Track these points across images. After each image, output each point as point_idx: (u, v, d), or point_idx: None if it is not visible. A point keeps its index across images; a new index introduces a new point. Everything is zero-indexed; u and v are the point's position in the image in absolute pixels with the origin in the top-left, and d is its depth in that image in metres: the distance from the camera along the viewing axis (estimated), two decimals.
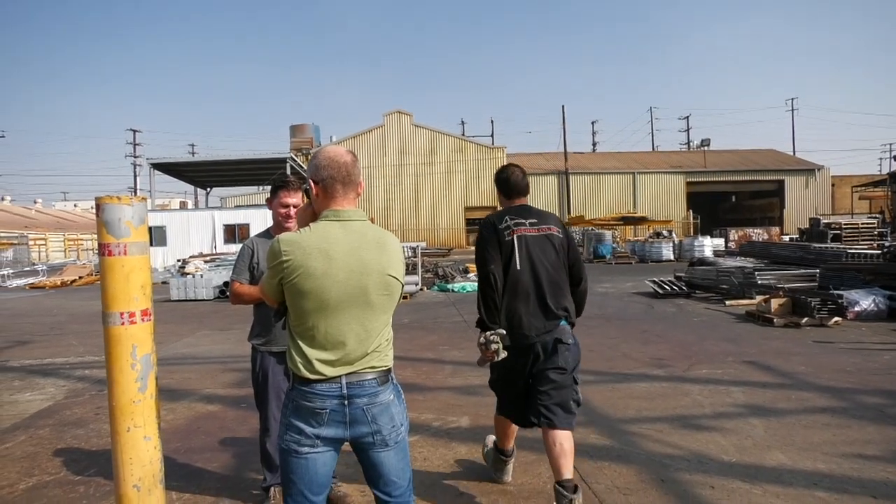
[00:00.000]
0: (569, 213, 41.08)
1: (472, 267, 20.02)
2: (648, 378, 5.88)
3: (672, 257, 25.64)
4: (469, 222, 43.74)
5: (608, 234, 29.52)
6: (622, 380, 5.86)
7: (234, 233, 26.28)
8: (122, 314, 2.07)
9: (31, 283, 22.03)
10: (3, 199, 61.68)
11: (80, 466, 4.01)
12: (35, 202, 70.97)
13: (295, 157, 29.76)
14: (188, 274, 16.63)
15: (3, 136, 40.61)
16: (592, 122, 68.82)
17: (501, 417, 3.40)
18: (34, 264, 33.64)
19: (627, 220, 34.06)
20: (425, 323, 9.97)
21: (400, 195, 43.27)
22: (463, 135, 49.46)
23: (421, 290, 15.09)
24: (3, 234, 39.36)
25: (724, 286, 12.09)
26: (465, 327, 9.36)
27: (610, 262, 25.59)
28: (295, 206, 3.27)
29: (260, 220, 25.45)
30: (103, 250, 2.06)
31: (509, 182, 3.28)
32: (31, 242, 40.52)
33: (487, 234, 3.17)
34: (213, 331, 9.89)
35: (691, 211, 41.84)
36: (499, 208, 3.37)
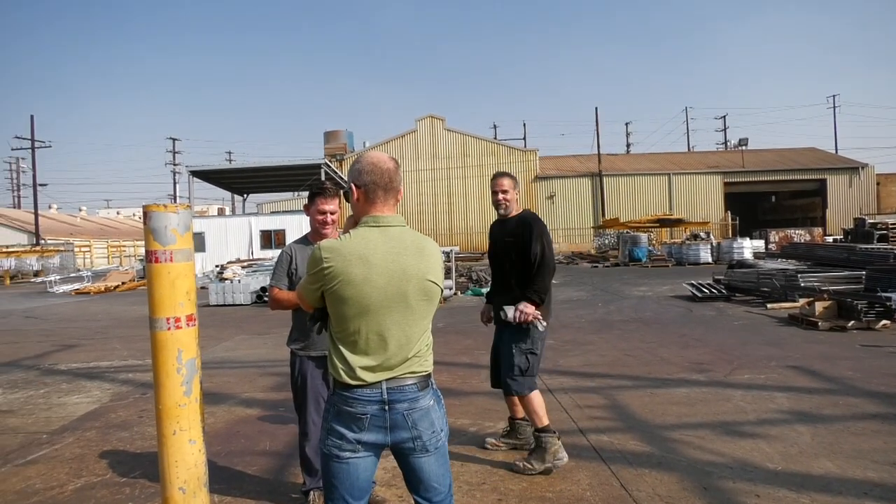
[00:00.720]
0: (603, 215, 40.65)
1: None
2: (688, 383, 5.77)
3: (710, 260, 25.16)
4: None
5: (644, 236, 29.10)
6: (661, 385, 5.76)
7: (270, 238, 26.66)
8: (168, 319, 2.12)
9: (77, 289, 22.70)
10: (49, 207, 63.74)
11: (125, 468, 4.11)
12: (80, 210, 73.13)
13: (329, 163, 30.07)
14: (226, 279, 16.94)
15: (49, 146, 41.88)
16: (626, 124, 67.67)
17: (538, 393, 3.85)
18: (79, 270, 34.71)
19: (663, 223, 33.56)
20: (460, 327, 9.96)
21: (433, 199, 43.39)
22: (495, 138, 49.39)
23: (455, 294, 15.10)
24: (50, 241, 40.69)
25: (766, 289, 11.81)
26: None
27: (646, 265, 25.22)
28: (332, 213, 3.30)
29: (295, 226, 25.75)
30: (150, 257, 2.11)
31: None
32: (76, 249, 41.75)
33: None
34: (251, 335, 10.05)
35: (729, 212, 40.93)
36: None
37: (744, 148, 50.01)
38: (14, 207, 59.70)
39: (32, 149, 40.89)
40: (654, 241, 32.00)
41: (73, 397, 6.17)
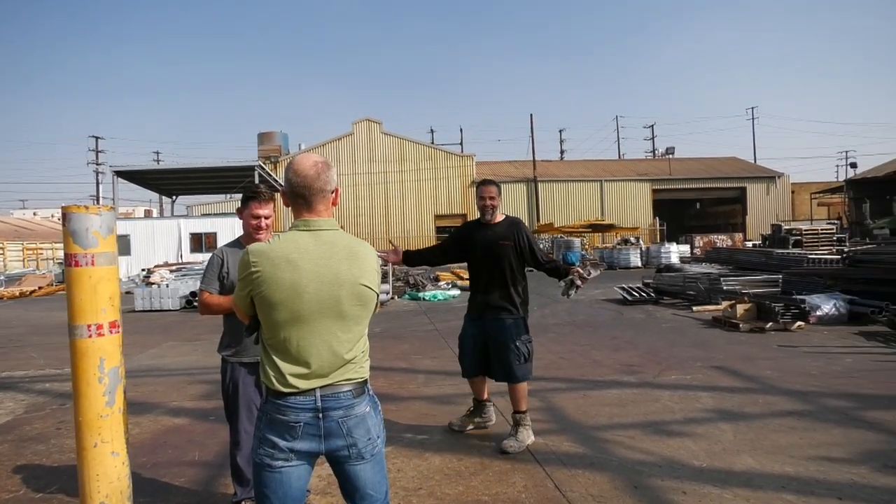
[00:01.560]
0: (538, 220, 41.42)
1: (443, 275, 20.02)
2: (620, 385, 5.94)
3: (640, 264, 26.02)
4: (439, 230, 43.77)
5: (577, 241, 29.82)
6: (593, 387, 5.91)
7: (200, 242, 25.86)
8: (89, 326, 2.02)
9: None
10: None
11: (41, 483, 3.87)
12: None
13: (263, 165, 29.42)
14: (153, 284, 16.29)
15: None
16: (560, 131, 69.16)
17: None
18: None
19: (596, 228, 34.51)
20: (397, 332, 9.92)
21: (370, 203, 43.11)
22: (432, 143, 49.52)
23: (392, 298, 15.03)
24: None
25: (691, 292, 12.31)
26: (436, 336, 9.34)
27: None
28: (266, 217, 3.22)
29: (227, 228, 25.06)
30: (70, 261, 2.01)
31: None
32: None
33: None
34: (180, 342, 9.68)
35: (658, 218, 42.53)
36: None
37: (671, 157, 52.15)
38: None
39: None
40: (587, 246, 32.86)
41: None
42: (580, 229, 33.33)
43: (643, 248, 27.58)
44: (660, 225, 40.56)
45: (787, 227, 25.44)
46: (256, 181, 26.52)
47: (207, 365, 7.23)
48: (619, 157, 62.80)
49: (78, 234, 1.99)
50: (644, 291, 13.18)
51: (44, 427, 5.16)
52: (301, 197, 1.94)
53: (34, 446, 4.64)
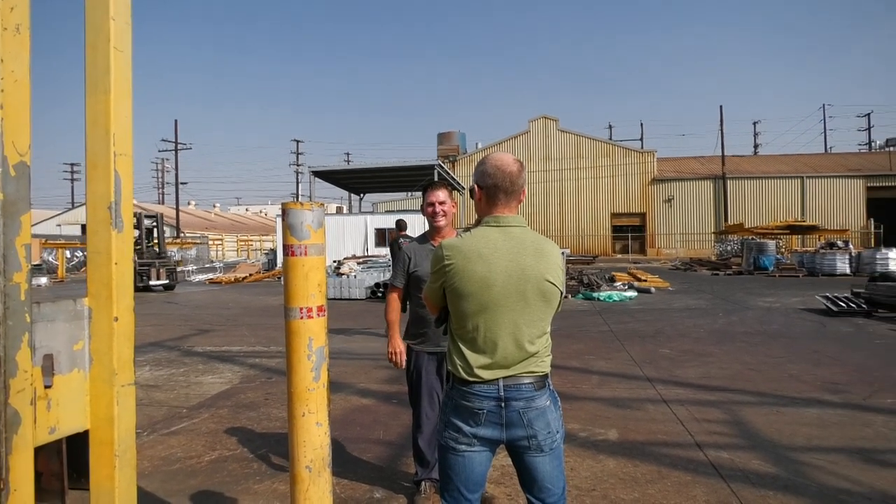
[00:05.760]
0: (726, 220, 38.47)
1: (619, 276, 19.39)
2: (820, 404, 5.35)
3: (848, 271, 23.06)
4: (616, 229, 42.43)
5: (771, 243, 27.18)
6: (789, 403, 5.39)
7: (384, 237, 27.48)
8: (300, 309, 2.27)
9: (211, 279, 24.65)
10: (189, 203, 69.55)
11: (253, 445, 4.43)
12: (214, 206, 79.34)
13: (442, 164, 30.62)
14: (343, 274, 17.69)
15: (189, 148, 45.67)
16: (754, 123, 63.58)
17: None
18: (212, 262, 37.62)
19: (794, 229, 31.22)
20: (570, 331, 9.82)
21: (545, 201, 43.04)
22: (610, 139, 48.11)
23: (566, 297, 14.87)
24: (188, 235, 44.45)
25: None
26: (611, 337, 9.10)
27: (773, 274, 23.54)
28: (441, 203, 3.34)
29: (408, 224, 26.38)
30: (287, 251, 2.28)
31: None
32: (210, 242, 45.38)
33: None
34: (366, 328, 10.45)
35: (872, 219, 37.37)
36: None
37: (891, 149, 45.38)
38: (159, 203, 65.68)
39: (176, 150, 44.84)
40: (782, 249, 29.85)
41: (207, 377, 6.72)
42: (775, 231, 30.33)
43: (853, 253, 24.36)
44: (875, 227, 35.66)
45: None
46: (436, 179, 27.72)
47: None
48: (826, 150, 56.20)
49: (294, 227, 2.25)
50: (853, 302, 11.68)
51: (255, 396, 5.87)
52: (502, 192, 2.01)
53: (247, 413, 5.31)
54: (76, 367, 1.37)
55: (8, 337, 1.13)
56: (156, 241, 20.65)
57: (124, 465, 1.41)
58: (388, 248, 16.07)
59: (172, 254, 28.42)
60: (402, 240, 9.88)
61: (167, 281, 19.60)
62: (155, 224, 20.66)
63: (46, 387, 1.28)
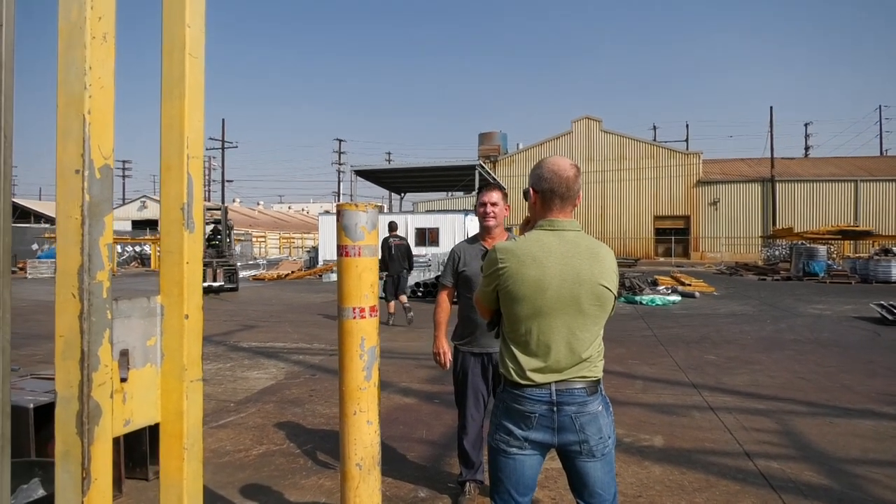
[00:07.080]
0: (774, 223, 37.41)
1: (662, 279, 19.06)
2: (876, 415, 5.17)
3: None
4: (659, 232, 41.69)
5: (822, 249, 26.29)
6: (842, 414, 5.22)
7: (424, 236, 27.60)
8: (353, 309, 2.31)
9: (254, 275, 25.17)
10: (234, 200, 71.11)
11: (299, 440, 4.51)
12: (258, 204, 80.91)
13: (483, 165, 30.61)
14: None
15: (236, 147, 46.68)
16: (805, 125, 61.73)
17: None
18: (256, 259, 38.40)
19: (846, 234, 30.15)
20: (613, 335, 9.69)
21: (586, 202, 42.54)
22: (654, 140, 47.31)
23: None
24: (234, 232, 45.47)
25: None
26: (654, 342, 8.96)
27: (823, 280, 22.79)
28: (493, 205, 3.36)
29: (448, 225, 26.38)
30: (341, 251, 2.32)
31: None
32: (254, 239, 46.34)
33: None
34: (407, 328, 10.52)
35: None
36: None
37: None
38: (206, 200, 67.24)
39: (223, 149, 45.89)
40: (834, 255, 28.87)
41: (253, 372, 6.87)
42: (826, 235, 29.33)
43: None
44: None
45: None
46: (477, 180, 27.71)
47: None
48: (882, 153, 54.15)
49: (349, 228, 2.29)
50: None
51: (300, 392, 5.98)
52: (559, 197, 2.00)
53: (293, 408, 5.41)
54: (149, 363, 1.43)
55: (91, 333, 1.18)
56: (219, 240, 18.96)
57: (192, 458, 1.46)
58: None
59: (235, 252, 26.75)
60: (391, 239, 10.79)
61: (224, 283, 17.82)
62: (217, 221, 19.33)
63: (122, 380, 1.34)
